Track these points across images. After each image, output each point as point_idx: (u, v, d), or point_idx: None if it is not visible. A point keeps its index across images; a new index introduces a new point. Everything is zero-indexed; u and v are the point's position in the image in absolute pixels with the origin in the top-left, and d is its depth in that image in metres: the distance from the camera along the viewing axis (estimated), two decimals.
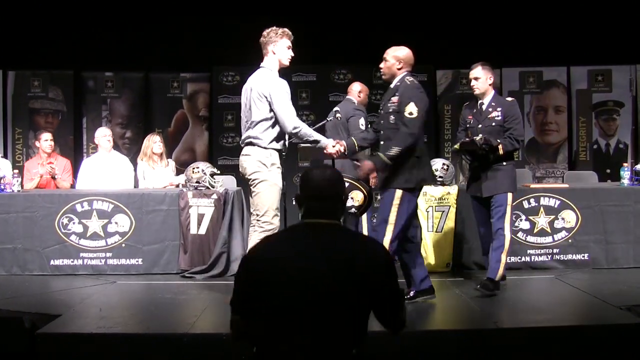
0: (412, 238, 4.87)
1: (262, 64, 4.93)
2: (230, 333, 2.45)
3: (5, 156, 8.24)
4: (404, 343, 4.06)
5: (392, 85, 4.84)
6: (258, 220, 4.78)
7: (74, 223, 6.07)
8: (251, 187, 4.84)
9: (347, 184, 4.78)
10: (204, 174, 6.20)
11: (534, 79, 9.12)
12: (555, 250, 6.10)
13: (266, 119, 4.82)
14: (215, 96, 9.17)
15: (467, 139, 5.22)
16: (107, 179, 6.85)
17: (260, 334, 2.34)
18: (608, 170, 8.57)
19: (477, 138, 5.10)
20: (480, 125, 5.23)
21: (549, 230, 6.09)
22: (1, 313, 4.61)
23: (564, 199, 6.09)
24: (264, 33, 4.88)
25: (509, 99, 5.40)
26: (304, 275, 2.26)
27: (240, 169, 4.97)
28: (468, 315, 4.73)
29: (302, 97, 9.02)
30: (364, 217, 6.17)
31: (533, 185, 6.51)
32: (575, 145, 9.08)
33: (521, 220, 6.09)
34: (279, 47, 4.86)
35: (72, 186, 7.08)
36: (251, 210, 4.93)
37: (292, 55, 4.95)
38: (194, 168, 6.28)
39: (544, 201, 6.10)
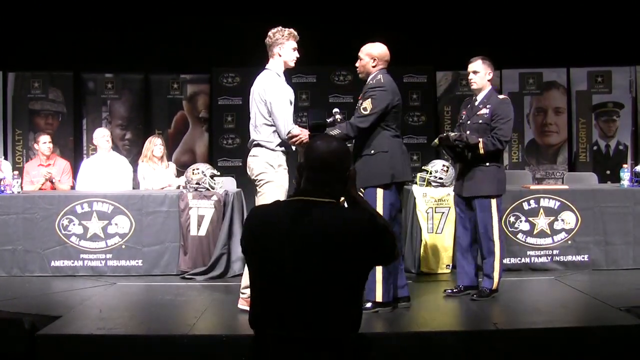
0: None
1: (267, 66, 4.85)
2: None
3: (5, 157, 8.25)
4: (403, 344, 4.07)
5: (366, 83, 4.80)
6: None
7: (74, 224, 6.07)
8: (257, 188, 4.78)
9: None
10: (204, 175, 6.20)
11: (534, 80, 9.12)
12: (555, 252, 6.10)
13: (271, 124, 4.76)
14: (215, 97, 9.17)
15: (443, 135, 5.12)
16: (106, 180, 6.85)
17: (255, 294, 2.35)
18: (608, 172, 8.56)
19: (452, 134, 5.00)
20: (469, 122, 5.09)
21: (548, 231, 6.09)
22: (1, 314, 4.62)
23: (563, 200, 6.09)
24: (270, 34, 4.81)
25: (502, 96, 5.16)
26: (296, 245, 2.24)
27: (247, 170, 4.89)
28: (468, 317, 4.73)
29: (302, 99, 9.02)
30: None
31: (533, 187, 6.50)
32: (575, 147, 9.08)
33: (521, 221, 6.09)
34: (285, 49, 4.79)
35: (72, 188, 7.08)
36: None
37: (298, 56, 4.90)
38: (193, 169, 6.28)
39: (544, 202, 6.10)
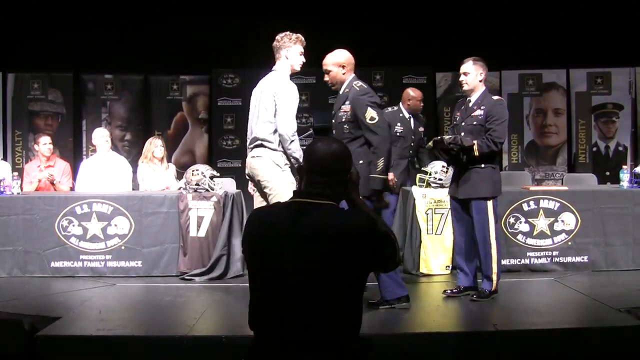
0: None
1: (274, 67, 4.89)
2: None
3: (4, 158, 8.26)
4: (403, 345, 4.07)
5: (340, 92, 4.75)
6: None
7: (73, 225, 6.07)
8: (266, 190, 4.75)
9: None
10: (204, 176, 6.20)
11: (534, 81, 9.13)
12: (554, 253, 6.10)
13: (274, 123, 4.76)
14: (215, 98, 9.18)
15: (438, 137, 5.09)
16: (106, 180, 6.85)
17: (255, 295, 2.35)
18: (607, 173, 8.57)
19: (446, 137, 4.96)
20: (463, 123, 5.05)
21: (548, 232, 6.09)
22: (1, 315, 4.62)
23: (563, 202, 6.09)
24: (278, 37, 4.85)
25: (496, 97, 5.11)
26: (295, 246, 2.24)
27: (248, 171, 4.88)
28: (467, 318, 4.74)
29: (302, 100, 8.95)
30: None
31: (532, 188, 6.51)
32: (575, 148, 9.09)
33: (521, 222, 6.09)
34: (292, 53, 4.83)
35: (72, 189, 7.08)
36: None
37: (304, 61, 4.91)
38: (193, 170, 6.28)
39: (544, 204, 6.10)
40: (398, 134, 6.26)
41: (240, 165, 8.82)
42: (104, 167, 6.97)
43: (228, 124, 9.14)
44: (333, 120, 4.80)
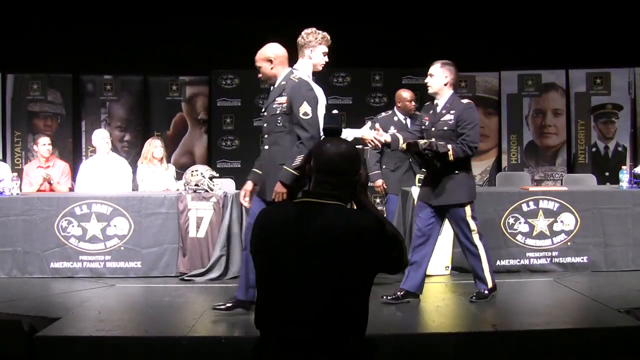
0: None
1: (295, 66, 4.76)
2: None
3: (4, 159, 8.25)
4: (402, 345, 4.06)
5: (275, 85, 4.60)
6: None
7: (73, 226, 6.07)
8: None
9: None
10: (203, 177, 6.20)
11: (533, 82, 9.13)
12: (554, 253, 6.10)
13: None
14: (214, 99, 9.18)
15: (412, 141, 4.92)
16: (106, 181, 6.85)
17: (261, 294, 2.35)
18: (607, 173, 8.57)
19: (421, 142, 4.82)
20: (433, 129, 4.94)
21: (548, 233, 6.09)
22: (0, 316, 4.61)
23: (563, 202, 6.09)
24: (303, 34, 4.76)
25: (465, 101, 4.98)
26: (301, 246, 2.24)
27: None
28: (467, 318, 4.73)
29: None
30: None
31: (532, 188, 6.51)
32: (574, 148, 9.09)
33: (520, 223, 6.09)
34: (316, 53, 4.76)
35: (71, 189, 7.08)
36: None
37: (327, 61, 4.84)
38: (192, 171, 6.28)
39: (543, 204, 6.10)
40: None
41: (239, 165, 8.83)
42: (104, 168, 6.96)
43: (227, 125, 9.14)
44: (265, 113, 4.64)
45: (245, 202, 4.79)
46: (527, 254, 6.09)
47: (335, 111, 4.78)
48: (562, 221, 6.08)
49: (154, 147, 6.96)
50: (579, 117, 9.08)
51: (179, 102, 9.20)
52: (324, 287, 2.22)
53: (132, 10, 8.60)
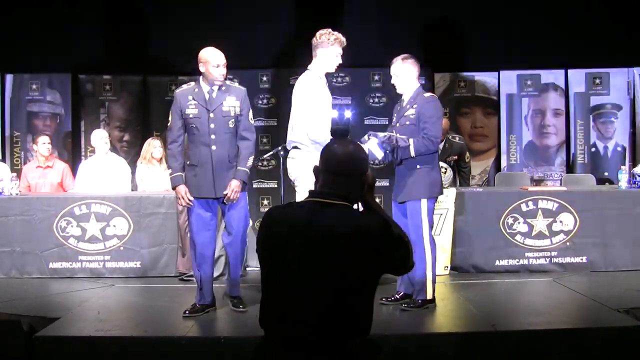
0: None
1: (309, 66, 4.90)
2: None
3: (3, 160, 8.24)
4: (402, 345, 4.07)
5: (223, 87, 4.73)
6: None
7: (72, 226, 6.06)
8: (296, 189, 4.91)
9: None
10: None
11: (532, 82, 9.12)
12: (553, 253, 6.10)
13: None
14: None
15: (372, 133, 4.82)
16: (105, 181, 6.84)
17: (266, 293, 2.35)
18: (606, 173, 8.59)
19: (381, 134, 4.73)
20: (397, 124, 4.86)
21: (547, 233, 6.09)
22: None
23: (562, 202, 6.09)
24: (317, 34, 4.82)
25: (427, 94, 4.85)
26: (305, 245, 2.24)
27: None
28: (466, 318, 4.73)
29: None
30: None
31: (531, 188, 6.51)
32: (573, 148, 9.09)
33: (519, 223, 6.09)
34: (328, 53, 4.81)
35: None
36: None
37: (340, 62, 4.89)
38: None
39: (542, 204, 6.10)
40: None
41: None
42: (103, 169, 6.96)
43: None
44: (211, 114, 4.67)
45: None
46: (526, 254, 6.10)
47: (348, 114, 4.77)
48: (561, 221, 6.09)
49: (153, 147, 6.94)
50: (578, 117, 9.07)
51: None
52: (327, 287, 2.22)
53: (132, 10, 8.59)
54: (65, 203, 6.10)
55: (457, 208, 6.08)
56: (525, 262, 6.10)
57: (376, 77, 9.09)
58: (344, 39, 4.85)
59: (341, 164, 2.35)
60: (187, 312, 4.68)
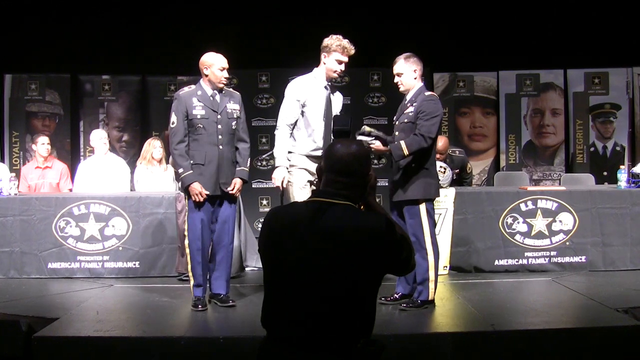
0: None
1: (313, 70, 5.03)
2: None
3: (2, 160, 8.24)
4: (401, 345, 4.06)
5: (223, 91, 5.00)
6: None
7: (71, 226, 6.06)
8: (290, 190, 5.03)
9: None
10: None
11: (531, 82, 9.13)
12: (552, 253, 6.10)
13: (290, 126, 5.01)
14: None
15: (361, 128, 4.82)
16: (104, 182, 6.84)
17: (267, 293, 2.36)
18: (605, 173, 8.58)
19: (367, 129, 4.70)
20: (397, 122, 4.83)
21: (546, 232, 6.09)
22: None
23: (561, 202, 6.09)
24: (325, 39, 4.89)
25: (428, 93, 4.79)
26: (307, 245, 2.24)
27: None
28: (466, 318, 4.73)
29: None
30: None
31: (530, 188, 6.51)
32: (572, 148, 9.09)
33: (518, 222, 6.09)
34: (329, 59, 4.86)
35: (70, 190, 7.07)
36: None
37: (342, 69, 4.93)
38: None
39: (542, 204, 6.10)
40: None
41: None
42: (102, 169, 6.95)
43: None
44: (219, 116, 4.86)
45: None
46: (526, 254, 6.10)
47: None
48: (560, 221, 6.09)
49: (153, 147, 6.94)
50: (577, 116, 9.08)
51: None
52: (330, 287, 2.22)
53: (131, 10, 8.59)
54: (64, 203, 6.09)
55: (457, 208, 6.09)
56: (525, 261, 6.10)
57: (375, 77, 9.09)
58: (349, 46, 4.83)
59: (345, 164, 2.35)
60: (199, 306, 4.81)
